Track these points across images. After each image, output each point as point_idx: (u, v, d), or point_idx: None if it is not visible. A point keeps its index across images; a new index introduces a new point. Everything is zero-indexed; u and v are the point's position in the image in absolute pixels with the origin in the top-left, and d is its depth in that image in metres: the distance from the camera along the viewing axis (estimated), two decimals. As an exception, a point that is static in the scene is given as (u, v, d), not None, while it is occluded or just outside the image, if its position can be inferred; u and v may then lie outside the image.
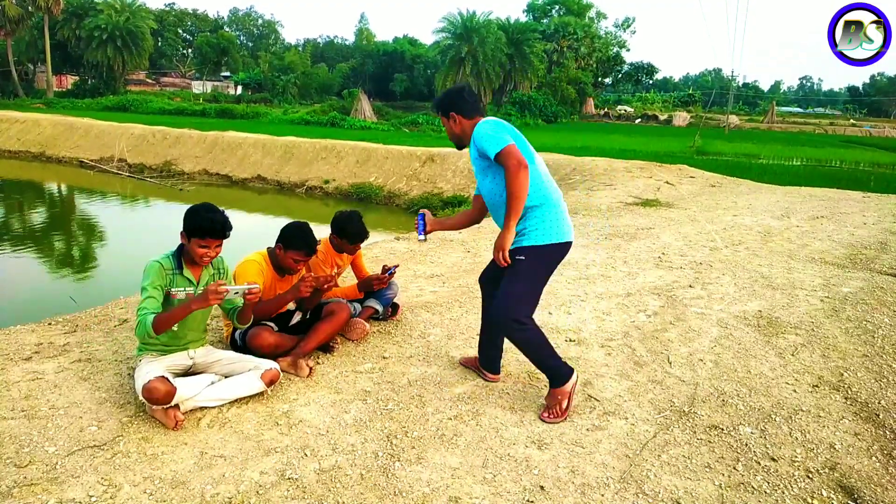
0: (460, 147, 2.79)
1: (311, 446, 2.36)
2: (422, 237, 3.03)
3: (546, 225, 2.61)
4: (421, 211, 3.00)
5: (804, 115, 59.92)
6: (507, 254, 2.57)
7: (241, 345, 3.02)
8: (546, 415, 2.65)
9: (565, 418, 2.64)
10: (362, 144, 16.92)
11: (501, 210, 2.62)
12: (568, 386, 2.67)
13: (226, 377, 2.70)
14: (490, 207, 2.80)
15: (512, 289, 2.59)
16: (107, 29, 38.91)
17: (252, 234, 12.17)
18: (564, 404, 2.66)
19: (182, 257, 2.63)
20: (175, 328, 2.58)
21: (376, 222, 13.04)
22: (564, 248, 2.67)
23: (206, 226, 2.51)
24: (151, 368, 2.53)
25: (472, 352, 3.24)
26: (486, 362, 3.01)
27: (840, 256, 5.65)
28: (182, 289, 2.58)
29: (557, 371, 2.68)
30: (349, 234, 3.43)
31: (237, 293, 2.55)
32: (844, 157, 17.86)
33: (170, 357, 2.66)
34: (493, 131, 2.54)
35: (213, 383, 2.63)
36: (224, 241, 2.60)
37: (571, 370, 2.70)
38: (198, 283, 2.65)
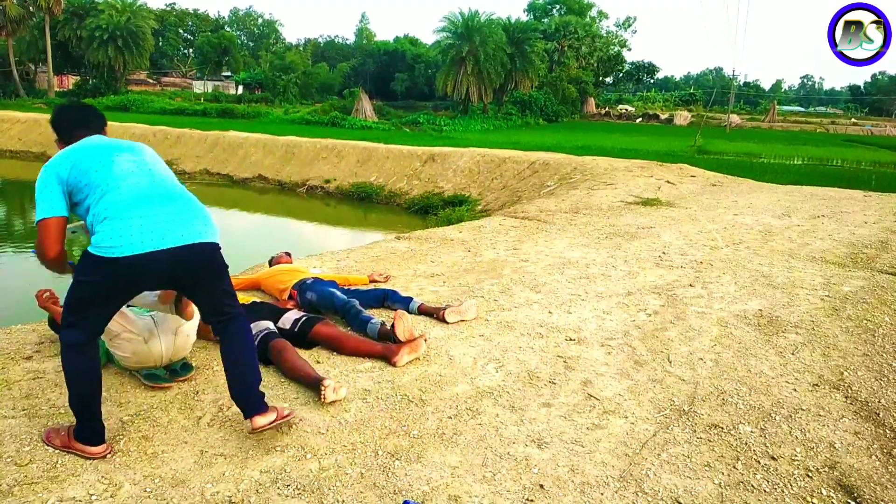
0: None
1: (311, 445, 2.36)
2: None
3: (102, 236, 2.08)
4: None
5: (805, 114, 59.81)
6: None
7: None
8: (49, 435, 2.26)
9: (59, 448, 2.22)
10: (363, 144, 16.94)
11: None
12: (84, 448, 2.18)
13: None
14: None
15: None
16: (108, 29, 38.87)
17: (253, 234, 12.18)
18: (58, 444, 2.22)
19: None
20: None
21: (377, 222, 13.05)
22: (117, 265, 2.04)
23: None
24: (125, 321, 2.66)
25: (473, 352, 3.25)
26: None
27: (841, 255, 5.65)
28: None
29: (86, 427, 2.19)
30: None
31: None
32: (846, 157, 17.86)
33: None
34: (41, 189, 2.17)
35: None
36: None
37: (102, 442, 2.20)
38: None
